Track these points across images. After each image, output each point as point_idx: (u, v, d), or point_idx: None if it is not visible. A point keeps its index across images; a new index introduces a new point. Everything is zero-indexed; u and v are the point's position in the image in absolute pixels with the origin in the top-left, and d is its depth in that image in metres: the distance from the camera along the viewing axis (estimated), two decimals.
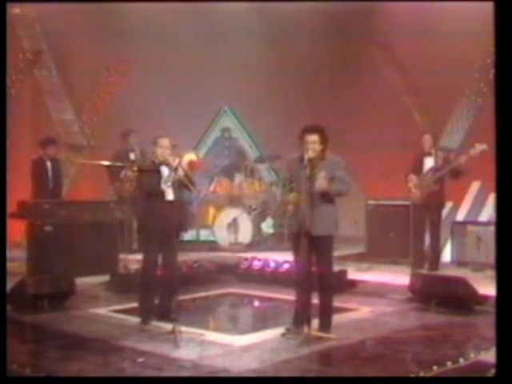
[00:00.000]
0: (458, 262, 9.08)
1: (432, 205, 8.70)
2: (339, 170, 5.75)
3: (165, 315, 6.17)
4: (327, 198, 5.70)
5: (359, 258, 9.62)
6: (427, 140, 8.89)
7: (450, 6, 10.38)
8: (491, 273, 7.52)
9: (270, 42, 11.58)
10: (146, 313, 6.27)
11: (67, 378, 4.74)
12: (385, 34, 11.36)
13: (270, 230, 10.85)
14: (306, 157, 5.65)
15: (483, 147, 8.02)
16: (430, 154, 8.84)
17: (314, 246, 5.65)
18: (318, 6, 11.29)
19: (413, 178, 8.81)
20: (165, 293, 6.31)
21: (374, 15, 11.21)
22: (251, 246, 10.28)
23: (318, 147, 5.68)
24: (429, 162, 8.82)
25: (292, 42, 11.48)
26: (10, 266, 7.04)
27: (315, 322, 5.85)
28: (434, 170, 8.71)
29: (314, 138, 5.67)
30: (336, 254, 6.22)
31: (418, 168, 8.87)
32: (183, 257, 7.92)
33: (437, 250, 8.83)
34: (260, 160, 11.55)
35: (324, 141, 5.72)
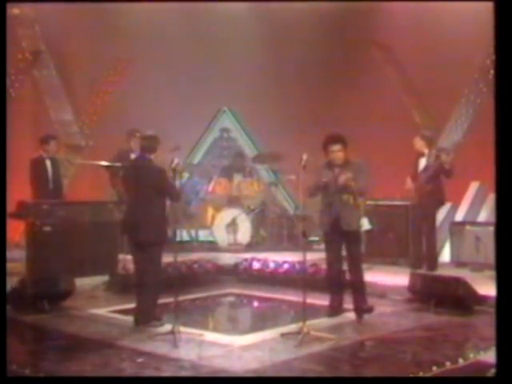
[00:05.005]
0: (457, 263, 9.07)
1: (426, 205, 8.69)
2: (361, 171, 6.52)
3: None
4: (353, 195, 6.38)
5: None
6: (417, 141, 8.95)
7: (449, 7, 10.38)
8: (490, 273, 7.52)
9: (270, 43, 11.57)
10: (150, 314, 6.24)
11: (67, 378, 4.75)
12: (384, 34, 11.34)
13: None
14: (335, 163, 6.49)
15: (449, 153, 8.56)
16: (423, 155, 8.88)
17: (345, 239, 6.54)
18: (318, 7, 11.29)
19: (407, 181, 8.88)
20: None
21: (374, 16, 11.21)
22: (250, 247, 10.27)
23: (342, 154, 6.52)
24: (423, 163, 8.86)
25: (291, 42, 11.47)
26: (9, 266, 7.04)
27: (316, 322, 5.86)
28: (426, 170, 8.74)
29: (338, 146, 6.51)
30: None
31: (414, 169, 8.94)
32: (183, 257, 7.93)
33: (433, 250, 8.81)
34: (259, 159, 11.45)
35: (346, 147, 6.55)
